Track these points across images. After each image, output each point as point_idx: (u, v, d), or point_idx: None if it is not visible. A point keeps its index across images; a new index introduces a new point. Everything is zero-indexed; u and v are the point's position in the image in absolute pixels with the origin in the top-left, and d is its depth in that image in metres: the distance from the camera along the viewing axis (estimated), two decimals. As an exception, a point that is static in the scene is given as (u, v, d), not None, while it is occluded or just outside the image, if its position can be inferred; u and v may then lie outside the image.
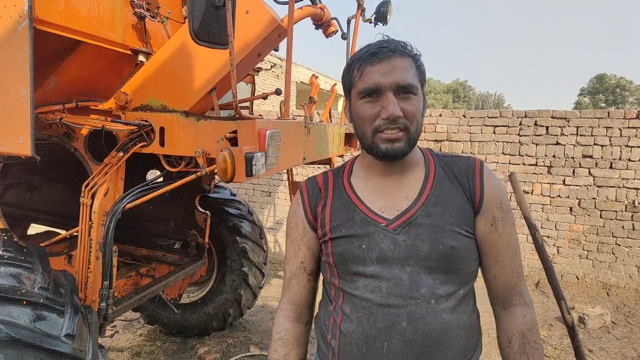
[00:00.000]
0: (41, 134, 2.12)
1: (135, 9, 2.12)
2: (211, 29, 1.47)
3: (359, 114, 1.11)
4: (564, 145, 5.24)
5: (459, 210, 1.10)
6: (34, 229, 3.65)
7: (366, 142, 1.12)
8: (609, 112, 5.13)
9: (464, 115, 5.70)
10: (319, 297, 1.30)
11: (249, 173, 1.65)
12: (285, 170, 3.82)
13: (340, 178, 1.24)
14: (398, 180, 1.16)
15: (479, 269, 1.17)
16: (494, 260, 1.13)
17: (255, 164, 1.66)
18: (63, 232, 2.70)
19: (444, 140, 5.76)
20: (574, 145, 5.20)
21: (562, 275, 5.38)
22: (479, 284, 1.13)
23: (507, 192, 1.20)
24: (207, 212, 3.12)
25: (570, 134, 5.20)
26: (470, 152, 5.63)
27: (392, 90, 1.05)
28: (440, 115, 5.80)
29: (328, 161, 3.52)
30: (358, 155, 1.26)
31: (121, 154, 2.02)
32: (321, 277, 1.28)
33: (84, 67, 2.07)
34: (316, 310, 1.31)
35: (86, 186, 2.04)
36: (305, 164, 2.58)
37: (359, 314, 1.08)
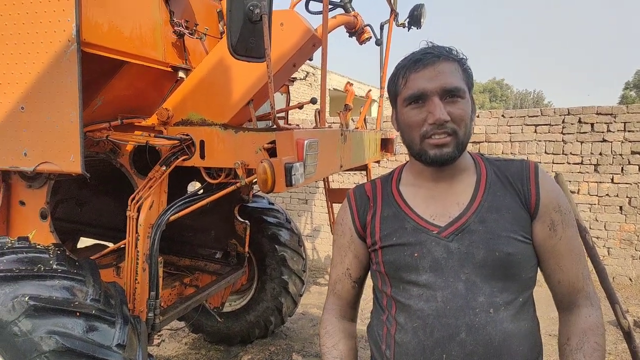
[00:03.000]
0: (89, 151, 2.21)
1: (175, 27, 2.19)
2: (249, 43, 1.50)
3: (405, 121, 1.11)
4: (611, 142, 5.01)
5: (514, 215, 1.07)
6: (83, 242, 3.81)
7: (414, 149, 1.11)
8: (658, 106, 4.88)
9: (503, 115, 5.55)
10: (364, 303, 1.30)
11: (289, 183, 1.67)
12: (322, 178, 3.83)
13: (389, 186, 1.23)
14: (449, 186, 1.14)
15: (539, 274, 1.13)
16: (556, 265, 1.09)
17: (295, 174, 1.68)
18: (111, 245, 2.81)
19: (482, 142, 5.63)
20: (622, 142, 4.97)
21: (613, 278, 5.13)
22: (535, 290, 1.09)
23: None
24: (247, 221, 3.16)
25: (618, 130, 4.97)
26: (511, 153, 5.48)
27: (438, 95, 1.05)
28: (478, 116, 5.67)
29: (364, 167, 3.50)
30: (406, 163, 1.25)
31: (164, 167, 2.08)
32: (371, 284, 1.27)
33: (128, 86, 2.15)
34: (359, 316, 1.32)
35: (132, 200, 2.11)
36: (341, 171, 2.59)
37: (414, 324, 1.06)
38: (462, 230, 1.07)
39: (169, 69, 2.21)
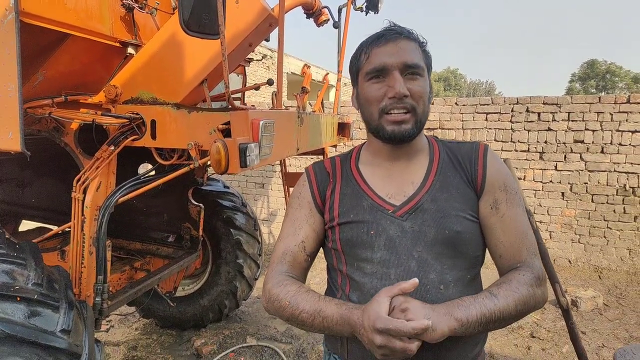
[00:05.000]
0: (30, 129, 2.09)
1: (124, 1, 2.09)
2: (202, 19, 1.45)
3: (365, 95, 1.12)
4: (556, 131, 5.26)
5: (462, 194, 1.11)
6: (25, 225, 3.62)
7: (372, 125, 1.12)
8: (599, 97, 5.15)
9: (456, 103, 5.70)
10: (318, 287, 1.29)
11: (243, 164, 1.64)
12: (279, 162, 3.81)
13: (348, 164, 1.24)
14: (405, 165, 1.16)
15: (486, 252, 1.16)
16: (497, 241, 1.11)
17: (249, 155, 1.65)
18: (55, 228, 2.68)
19: (436, 129, 5.76)
20: (566, 131, 5.23)
21: (554, 260, 5.43)
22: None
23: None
24: (201, 204, 3.10)
25: (562, 120, 5.22)
26: (463, 140, 5.64)
27: (399, 70, 1.06)
28: (433, 104, 5.79)
29: (321, 151, 3.51)
30: (365, 142, 1.26)
31: (112, 147, 2.00)
32: (326, 265, 1.26)
33: (72, 61, 2.04)
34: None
35: (77, 181, 2.02)
36: (298, 155, 2.58)
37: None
38: (416, 210, 1.09)
39: (117, 44, 2.11)
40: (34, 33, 1.71)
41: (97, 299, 2.06)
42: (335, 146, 6.04)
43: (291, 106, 5.81)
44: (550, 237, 5.47)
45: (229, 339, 3.66)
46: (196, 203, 3.10)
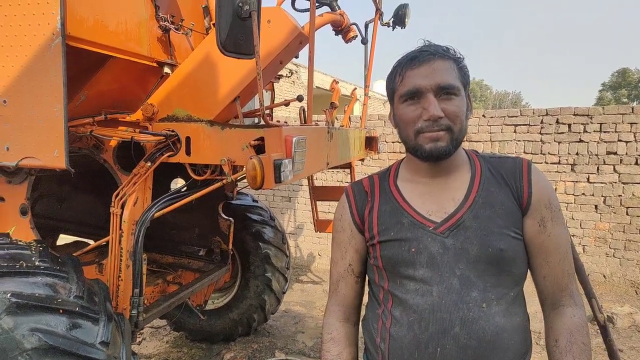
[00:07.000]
0: (72, 147, 2.17)
1: (160, 22, 2.17)
2: (238, 39, 1.50)
3: (401, 117, 1.14)
4: (587, 142, 5.14)
5: (507, 211, 1.10)
6: (62, 239, 3.74)
7: (410, 144, 1.14)
8: (632, 108, 5.01)
9: (483, 115, 5.64)
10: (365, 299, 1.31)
11: (278, 180, 1.67)
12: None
13: (387, 181, 1.25)
14: (445, 182, 1.16)
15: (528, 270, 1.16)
16: (543, 261, 1.12)
17: (284, 171, 1.68)
18: (91, 242, 2.76)
19: (463, 141, 5.70)
20: (598, 142, 5.10)
21: (588, 275, 5.25)
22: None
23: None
24: (231, 218, 3.15)
25: (594, 131, 5.10)
26: (499, 153, 5.57)
27: (433, 92, 1.07)
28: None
29: (348, 165, 3.53)
30: (403, 159, 1.27)
31: (149, 164, 2.06)
32: (367, 279, 1.29)
33: (112, 81, 2.13)
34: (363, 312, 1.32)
35: (116, 196, 2.08)
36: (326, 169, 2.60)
37: (409, 319, 1.08)
38: (458, 226, 1.09)
39: (154, 64, 2.19)
40: (78, 55, 1.79)
41: (133, 312, 2.10)
42: (362, 160, 6.06)
43: (318, 120, 5.86)
44: (584, 251, 5.32)
45: (258, 352, 3.67)
46: (226, 217, 3.15)
